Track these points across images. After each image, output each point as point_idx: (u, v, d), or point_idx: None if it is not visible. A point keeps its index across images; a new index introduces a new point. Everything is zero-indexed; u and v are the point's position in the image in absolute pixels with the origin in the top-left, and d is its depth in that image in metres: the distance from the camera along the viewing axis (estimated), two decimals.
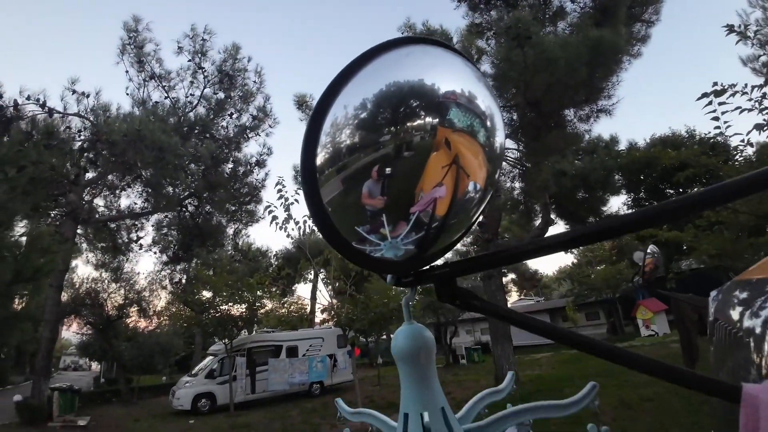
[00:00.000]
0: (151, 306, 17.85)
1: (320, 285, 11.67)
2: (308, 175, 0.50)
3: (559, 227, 15.10)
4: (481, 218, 0.50)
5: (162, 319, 17.35)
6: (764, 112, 5.09)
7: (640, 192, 16.74)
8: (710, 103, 5.09)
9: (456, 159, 0.50)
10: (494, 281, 11.65)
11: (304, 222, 7.81)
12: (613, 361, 0.42)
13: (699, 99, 5.10)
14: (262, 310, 14.38)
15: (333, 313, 10.49)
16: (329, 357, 14.69)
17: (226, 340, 12.76)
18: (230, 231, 16.44)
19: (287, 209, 7.65)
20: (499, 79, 8.48)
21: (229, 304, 12.91)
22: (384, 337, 26.23)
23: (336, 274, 8.93)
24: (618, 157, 14.92)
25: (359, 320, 8.59)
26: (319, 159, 0.51)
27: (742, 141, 5.76)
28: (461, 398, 10.83)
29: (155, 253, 15.99)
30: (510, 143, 11.51)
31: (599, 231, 0.45)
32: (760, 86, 5.28)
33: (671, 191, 15.79)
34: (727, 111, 5.12)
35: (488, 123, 0.54)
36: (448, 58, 0.56)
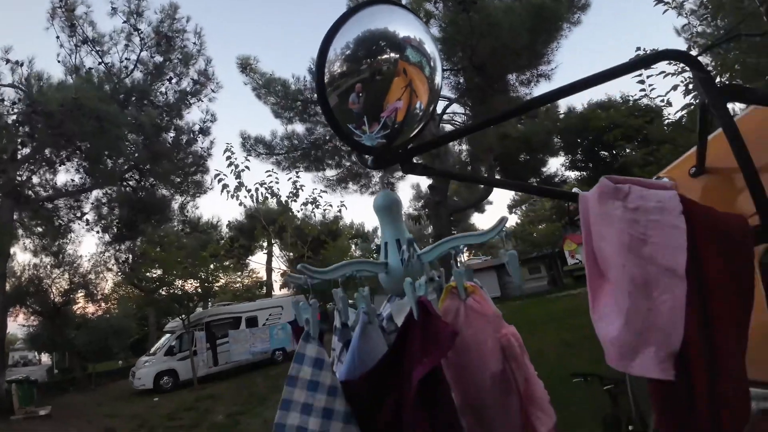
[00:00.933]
0: (98, 289, 16.97)
1: (277, 254, 11.68)
2: (321, 93, 0.74)
3: (502, 189, 15.98)
4: (420, 130, 0.73)
5: (111, 302, 16.61)
6: (684, 75, 5.74)
7: (576, 153, 17.98)
8: (639, 75, 5.69)
9: (410, 83, 0.75)
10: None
11: (256, 190, 7.69)
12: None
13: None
14: (217, 284, 14.22)
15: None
16: (290, 324, 14.99)
17: (184, 316, 12.61)
18: (177, 204, 15.80)
19: (238, 176, 7.49)
20: (446, 42, 8.69)
21: (183, 280, 12.66)
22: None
23: (293, 240, 8.97)
24: (557, 121, 15.87)
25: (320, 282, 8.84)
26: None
27: (662, 100, 6.47)
28: None
29: (98, 232, 15.07)
30: (457, 107, 11.90)
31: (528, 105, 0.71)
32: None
33: (605, 153, 17.11)
34: (652, 75, 5.73)
35: (432, 63, 0.79)
36: (404, 14, 0.80)
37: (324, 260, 9.43)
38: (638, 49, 5.62)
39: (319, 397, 0.78)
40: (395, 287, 0.92)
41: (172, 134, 14.13)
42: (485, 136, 10.32)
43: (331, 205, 8.37)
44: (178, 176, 14.46)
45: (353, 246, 11.58)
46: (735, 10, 5.79)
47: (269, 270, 21.54)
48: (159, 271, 12.97)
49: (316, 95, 0.73)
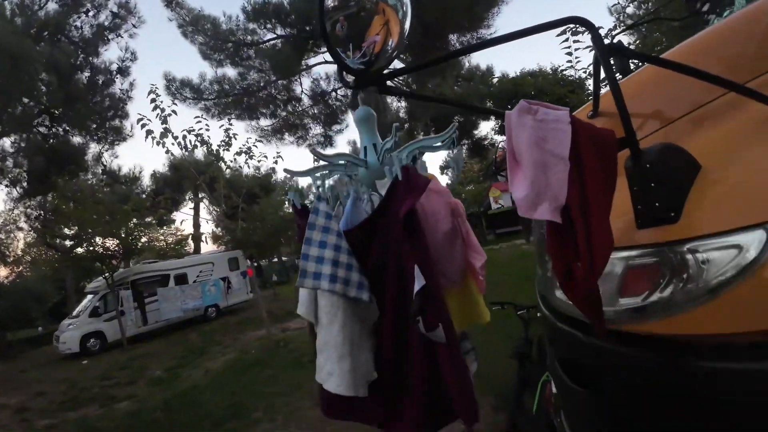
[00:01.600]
0: (9, 251, 15.00)
1: (206, 208, 11.21)
2: (322, 23, 0.91)
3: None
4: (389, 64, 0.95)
5: (24, 264, 14.83)
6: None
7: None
8: (566, 40, 6.28)
9: (386, 22, 0.94)
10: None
11: (184, 137, 7.19)
12: None
13: (558, 36, 6.25)
14: (140, 242, 13.35)
15: (224, 233, 10.30)
16: (222, 280, 14.75)
17: (107, 274, 11.80)
18: (93, 153, 14.20)
19: (164, 122, 6.93)
20: None
21: (102, 238, 11.70)
22: (276, 259, 26.60)
23: (226, 191, 8.62)
24: (491, 86, 16.54)
25: (256, 233, 8.68)
26: None
27: (585, 72, 7.19)
28: None
29: (6, 186, 13.15)
30: (398, 63, 11.91)
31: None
32: (610, 30, 6.69)
33: None
34: (579, 48, 6.37)
35: (404, 8, 0.98)
36: None
37: (259, 213, 9.25)
38: (564, 30, 6.19)
39: (331, 237, 1.06)
40: (372, 179, 1.16)
41: (87, 74, 12.42)
42: (424, 94, 10.57)
43: (266, 156, 8.13)
44: (94, 122, 12.89)
45: (287, 202, 11.44)
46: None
47: (197, 225, 20.51)
48: (75, 229, 11.83)
49: (318, 17, 0.87)
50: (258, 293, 8.81)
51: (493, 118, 18.98)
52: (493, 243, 25.04)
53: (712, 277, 0.77)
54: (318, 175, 1.22)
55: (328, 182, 1.23)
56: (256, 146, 7.99)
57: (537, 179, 0.80)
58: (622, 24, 8.79)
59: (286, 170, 1.41)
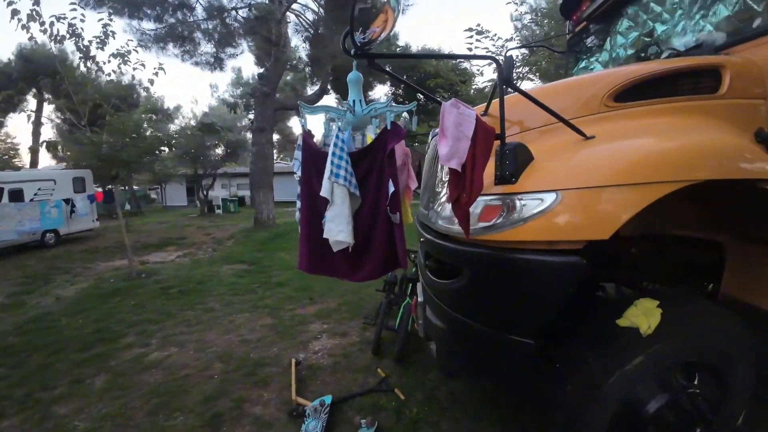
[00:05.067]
0: None
1: (50, 115, 9.31)
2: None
3: (330, 99, 16.73)
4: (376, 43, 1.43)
5: None
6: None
7: (399, 88, 20.03)
8: (471, 37, 7.44)
9: (386, 20, 1.41)
10: (265, 135, 12.44)
11: (51, 24, 5.97)
12: None
13: (465, 30, 7.32)
14: None
15: (77, 147, 8.75)
16: (65, 202, 12.65)
17: None
18: None
19: (37, 2, 5.74)
20: None
21: None
22: (125, 188, 23.34)
23: (78, 98, 7.21)
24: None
25: (126, 150, 7.67)
26: None
27: (478, 70, 8.70)
28: (221, 237, 11.99)
29: None
30: (309, 2, 11.45)
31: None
32: (505, 40, 8.21)
33: (421, 96, 19.82)
34: (479, 48, 7.53)
35: (399, 9, 1.44)
36: None
37: (133, 127, 8.19)
38: (478, 25, 7.45)
39: (344, 155, 1.60)
40: (356, 124, 1.66)
41: None
42: (333, 42, 10.52)
43: (143, 65, 7.07)
44: None
45: (145, 123, 9.85)
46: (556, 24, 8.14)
47: (36, 134, 16.66)
48: None
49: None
50: (121, 219, 7.88)
51: (389, 83, 19.90)
52: None
53: (527, 213, 1.48)
54: (327, 115, 1.69)
55: (334, 124, 1.76)
56: (137, 51, 6.98)
57: (453, 146, 1.42)
58: (518, 35, 10.39)
59: (300, 103, 1.81)
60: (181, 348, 3.97)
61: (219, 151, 21.59)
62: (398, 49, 15.25)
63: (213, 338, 4.17)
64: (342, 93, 16.87)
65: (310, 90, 17.46)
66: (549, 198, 1.42)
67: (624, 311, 1.54)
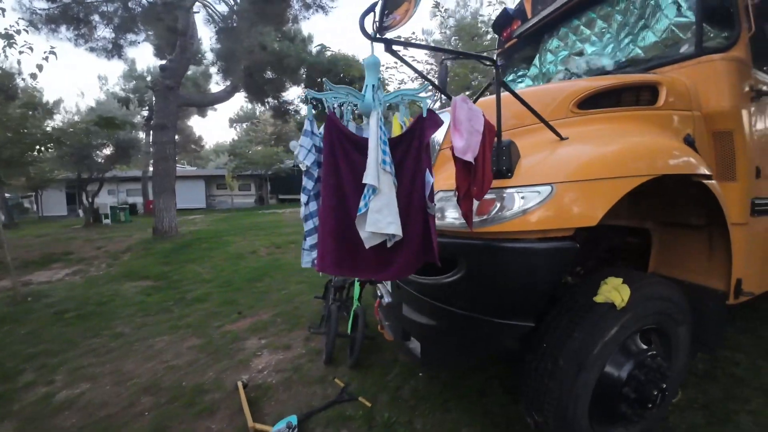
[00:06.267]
0: None
1: None
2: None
3: (239, 99, 15.79)
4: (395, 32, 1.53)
5: None
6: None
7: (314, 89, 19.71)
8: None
9: (406, 10, 1.42)
10: (167, 133, 11.29)
11: None
12: None
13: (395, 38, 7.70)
14: None
15: None
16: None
17: None
18: None
19: None
20: None
21: None
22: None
23: None
24: (310, 54, 16.86)
25: (6, 148, 6.31)
26: None
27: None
28: (115, 250, 10.47)
29: None
30: None
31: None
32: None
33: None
34: (405, 55, 7.88)
35: (416, 5, 1.45)
36: None
37: (18, 121, 6.78)
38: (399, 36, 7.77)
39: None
40: (366, 110, 1.59)
41: None
42: (248, 37, 9.93)
43: (31, 48, 5.97)
44: None
45: (28, 121, 8.25)
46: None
47: None
48: None
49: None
50: (1, 232, 6.32)
51: (304, 85, 19.48)
52: (276, 207, 25.57)
53: (524, 205, 1.60)
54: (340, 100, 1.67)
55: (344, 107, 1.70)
56: (26, 31, 5.83)
57: (467, 140, 1.48)
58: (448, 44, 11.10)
59: (308, 91, 1.65)
60: (94, 382, 3.34)
61: (107, 151, 18.68)
62: (315, 49, 15.08)
63: (132, 368, 3.56)
64: (251, 93, 16.02)
65: (216, 88, 16.21)
66: (545, 190, 1.56)
67: (597, 290, 1.77)
